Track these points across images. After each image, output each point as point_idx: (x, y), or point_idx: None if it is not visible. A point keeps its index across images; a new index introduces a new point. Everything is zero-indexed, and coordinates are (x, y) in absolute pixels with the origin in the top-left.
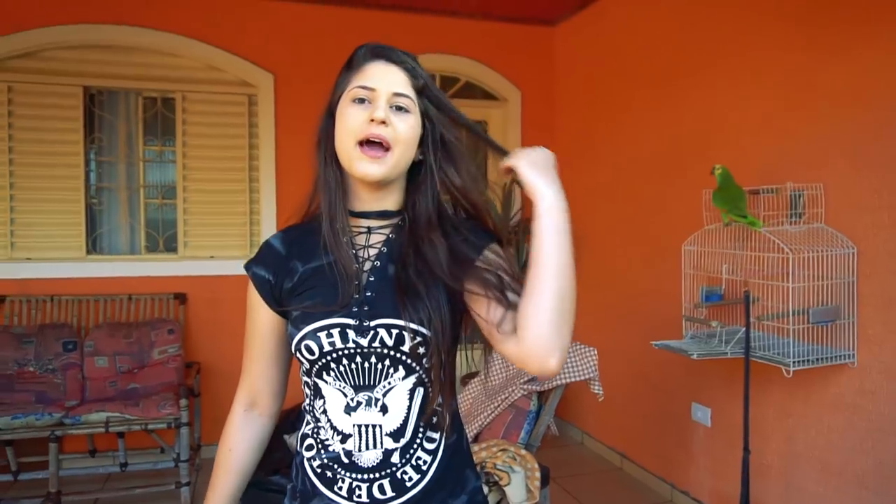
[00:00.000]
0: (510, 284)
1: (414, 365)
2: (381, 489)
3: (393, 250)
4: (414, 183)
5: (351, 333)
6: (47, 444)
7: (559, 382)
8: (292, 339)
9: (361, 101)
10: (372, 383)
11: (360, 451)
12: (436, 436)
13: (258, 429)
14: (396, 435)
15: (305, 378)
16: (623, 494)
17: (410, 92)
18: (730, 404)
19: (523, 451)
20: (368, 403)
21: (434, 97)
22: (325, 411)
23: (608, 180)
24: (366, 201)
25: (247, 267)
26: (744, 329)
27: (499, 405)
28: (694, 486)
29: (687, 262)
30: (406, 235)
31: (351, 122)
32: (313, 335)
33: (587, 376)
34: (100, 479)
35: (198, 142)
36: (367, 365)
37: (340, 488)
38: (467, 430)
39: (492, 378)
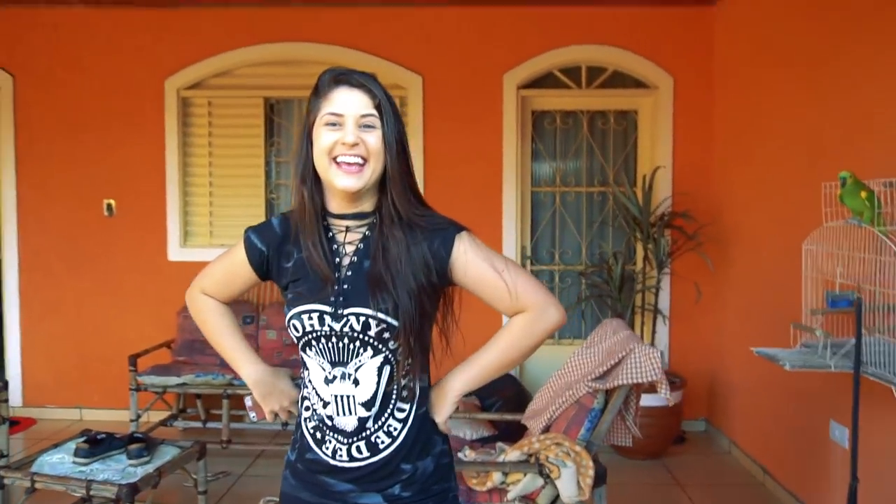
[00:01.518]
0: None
1: (380, 346)
2: (358, 450)
3: (369, 246)
4: (382, 186)
5: (327, 318)
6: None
7: (622, 382)
8: (286, 316)
9: (333, 125)
10: (345, 360)
11: (338, 415)
12: (406, 406)
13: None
14: (368, 404)
15: (299, 352)
16: None
17: (372, 110)
18: (870, 424)
19: (578, 448)
20: (343, 377)
21: (388, 110)
22: (310, 381)
23: (759, 173)
24: (343, 206)
25: (247, 231)
26: (854, 340)
27: (565, 400)
28: None
29: (807, 263)
30: (377, 233)
31: (325, 143)
32: (298, 316)
33: (651, 378)
34: (269, 435)
35: None
36: (340, 345)
37: (327, 448)
38: (538, 424)
39: (567, 374)
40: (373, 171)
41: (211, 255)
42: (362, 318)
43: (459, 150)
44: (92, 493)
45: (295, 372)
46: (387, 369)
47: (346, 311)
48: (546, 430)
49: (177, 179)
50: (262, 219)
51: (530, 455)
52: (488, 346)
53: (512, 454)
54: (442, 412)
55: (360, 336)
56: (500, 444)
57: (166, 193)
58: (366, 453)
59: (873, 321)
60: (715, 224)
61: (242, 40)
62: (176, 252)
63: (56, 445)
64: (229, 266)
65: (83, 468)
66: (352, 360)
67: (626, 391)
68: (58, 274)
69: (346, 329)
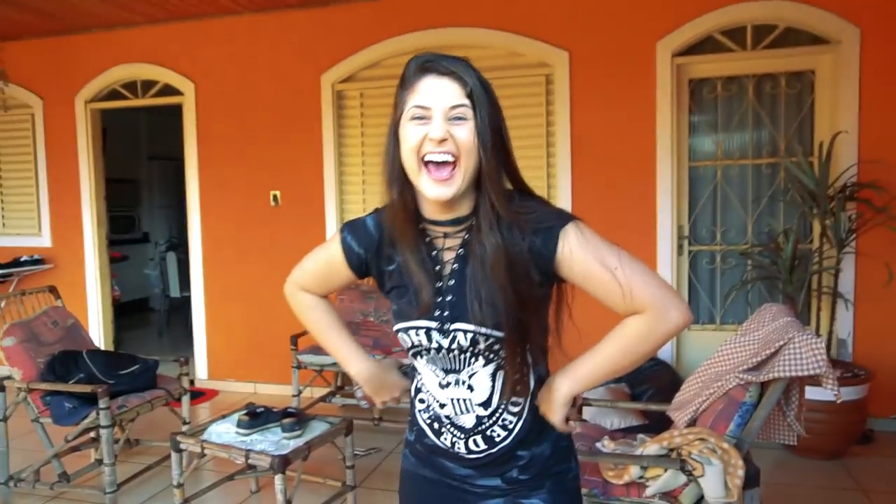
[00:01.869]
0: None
1: (492, 356)
2: (476, 443)
3: (469, 252)
4: (478, 183)
5: (434, 334)
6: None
7: (779, 375)
8: (393, 325)
9: (420, 118)
10: (458, 368)
11: (456, 415)
12: (520, 400)
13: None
14: (485, 405)
15: (410, 357)
16: None
17: (463, 100)
18: None
19: (726, 445)
20: (457, 383)
21: (481, 99)
22: (424, 383)
23: None
24: (438, 212)
25: (343, 231)
26: None
27: (713, 392)
28: None
29: None
30: (475, 239)
31: (412, 140)
32: (405, 331)
33: (813, 371)
34: None
35: None
36: (451, 355)
37: (445, 440)
38: (683, 416)
39: (718, 364)
40: (465, 171)
41: None
42: (469, 335)
43: (609, 126)
44: (250, 461)
45: (403, 360)
46: (500, 374)
47: (451, 327)
48: (692, 423)
49: (333, 170)
50: None
51: (671, 450)
52: (599, 348)
53: (651, 447)
54: (553, 416)
55: (470, 349)
56: (640, 436)
57: (324, 183)
58: (483, 446)
59: None
60: None
61: (388, 32)
62: None
63: (224, 416)
64: (327, 264)
65: (244, 438)
66: (464, 368)
67: (783, 385)
68: (232, 260)
69: (454, 345)
